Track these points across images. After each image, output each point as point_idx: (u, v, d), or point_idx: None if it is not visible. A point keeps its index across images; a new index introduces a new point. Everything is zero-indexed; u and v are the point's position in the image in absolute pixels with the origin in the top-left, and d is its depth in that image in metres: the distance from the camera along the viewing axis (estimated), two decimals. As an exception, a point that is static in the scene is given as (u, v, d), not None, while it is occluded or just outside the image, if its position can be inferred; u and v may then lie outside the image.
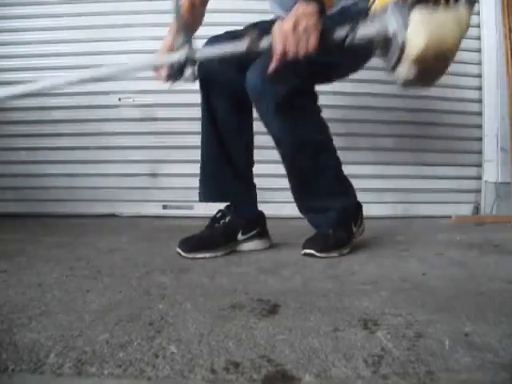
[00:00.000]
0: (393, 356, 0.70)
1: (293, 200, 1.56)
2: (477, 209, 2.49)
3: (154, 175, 2.47)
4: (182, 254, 1.42)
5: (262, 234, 1.59)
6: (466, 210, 2.44)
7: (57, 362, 0.68)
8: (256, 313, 0.90)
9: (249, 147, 1.65)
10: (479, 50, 2.49)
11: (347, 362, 0.68)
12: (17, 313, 0.89)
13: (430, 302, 0.97)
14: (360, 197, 2.49)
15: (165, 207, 2.47)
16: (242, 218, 1.55)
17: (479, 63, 2.49)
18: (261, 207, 1.65)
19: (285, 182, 1.56)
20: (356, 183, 2.45)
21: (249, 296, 1.01)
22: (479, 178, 2.48)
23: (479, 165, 2.48)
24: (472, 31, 2.42)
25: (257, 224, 1.58)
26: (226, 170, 1.56)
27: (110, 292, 1.04)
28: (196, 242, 1.45)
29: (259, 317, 0.88)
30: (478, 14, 2.45)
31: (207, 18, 2.42)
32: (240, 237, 1.54)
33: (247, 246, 1.55)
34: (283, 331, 0.80)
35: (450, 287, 1.09)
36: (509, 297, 1.01)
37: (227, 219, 1.54)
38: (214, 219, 1.56)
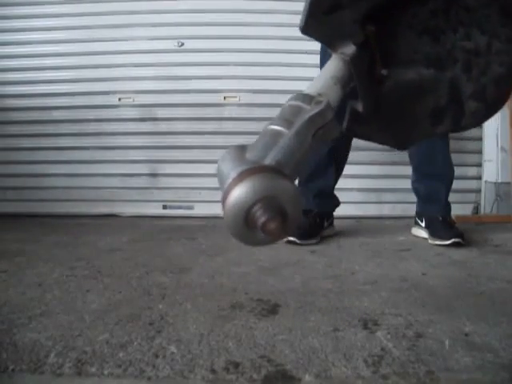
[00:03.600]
0: (393, 356, 0.70)
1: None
2: (477, 209, 2.49)
3: (153, 175, 2.48)
4: (298, 241, 1.58)
5: (333, 220, 1.84)
6: (466, 209, 2.44)
7: (57, 361, 0.68)
8: (256, 313, 0.90)
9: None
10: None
11: (347, 362, 0.68)
12: (17, 313, 0.89)
13: (430, 302, 0.97)
14: (360, 197, 2.51)
15: (165, 207, 2.47)
16: (329, 209, 1.80)
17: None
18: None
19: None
20: (356, 183, 2.48)
21: (249, 296, 1.01)
22: (479, 177, 2.48)
23: (479, 165, 2.48)
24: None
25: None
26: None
27: (109, 292, 1.04)
28: (305, 231, 1.63)
29: (259, 317, 0.88)
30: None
31: (206, 17, 2.44)
32: (325, 224, 1.76)
33: (327, 232, 1.76)
34: (283, 331, 0.80)
35: (450, 287, 1.09)
36: (509, 297, 1.01)
37: (316, 210, 1.73)
38: (305, 211, 1.69)
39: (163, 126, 2.46)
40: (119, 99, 2.45)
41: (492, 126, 2.38)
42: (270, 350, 0.72)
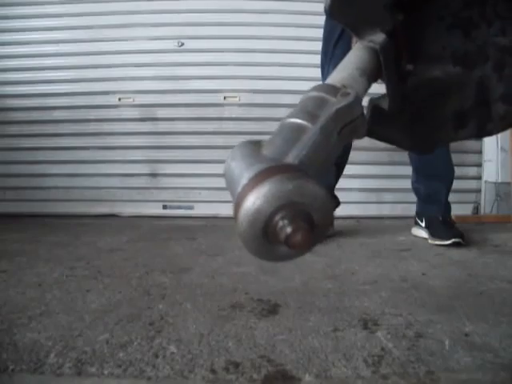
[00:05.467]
0: (393, 356, 0.70)
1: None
2: (477, 209, 2.49)
3: (153, 175, 2.48)
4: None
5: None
6: (465, 209, 2.44)
7: (57, 361, 0.68)
8: (256, 313, 0.90)
9: None
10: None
11: (347, 362, 0.68)
12: (17, 313, 0.89)
13: (430, 302, 0.97)
14: (360, 197, 2.51)
15: (165, 207, 2.48)
16: None
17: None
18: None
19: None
20: (356, 183, 2.48)
21: (249, 296, 1.01)
22: (479, 177, 2.49)
23: (479, 165, 2.48)
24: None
25: None
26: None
27: (109, 292, 1.04)
28: None
29: (259, 317, 0.88)
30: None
31: (206, 17, 2.44)
32: None
33: None
34: (283, 331, 0.80)
35: (450, 287, 1.09)
36: (509, 297, 1.01)
37: None
38: None
39: (163, 126, 2.46)
40: (119, 99, 2.46)
41: (492, 126, 2.38)
42: (270, 350, 0.72)
